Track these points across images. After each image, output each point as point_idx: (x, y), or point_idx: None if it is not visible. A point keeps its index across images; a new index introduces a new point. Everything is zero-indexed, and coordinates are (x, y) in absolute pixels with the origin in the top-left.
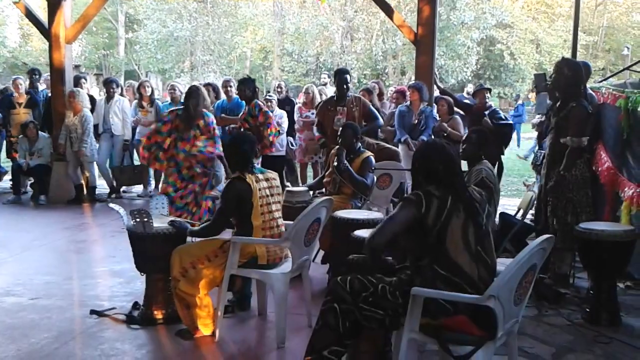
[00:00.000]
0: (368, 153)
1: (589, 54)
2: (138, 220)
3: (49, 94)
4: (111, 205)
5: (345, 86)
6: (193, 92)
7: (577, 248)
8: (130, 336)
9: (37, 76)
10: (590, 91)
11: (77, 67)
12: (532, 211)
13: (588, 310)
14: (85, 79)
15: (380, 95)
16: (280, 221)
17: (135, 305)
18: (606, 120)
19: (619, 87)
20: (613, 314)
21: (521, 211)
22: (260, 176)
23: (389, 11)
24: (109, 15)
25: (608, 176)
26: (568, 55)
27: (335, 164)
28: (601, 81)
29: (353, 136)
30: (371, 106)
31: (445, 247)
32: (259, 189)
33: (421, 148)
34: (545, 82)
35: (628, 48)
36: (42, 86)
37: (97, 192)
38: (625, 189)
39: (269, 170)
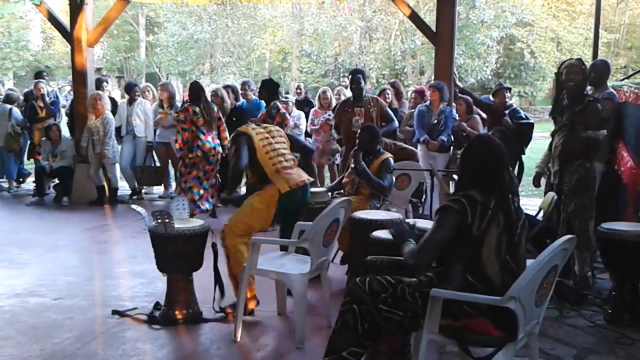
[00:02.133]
0: (387, 155)
1: (610, 51)
2: (160, 221)
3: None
4: (133, 206)
5: (356, 86)
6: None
7: (599, 248)
8: (152, 336)
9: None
10: (611, 89)
11: (98, 69)
12: None
13: (610, 311)
14: (107, 82)
15: (399, 95)
16: (290, 156)
17: (157, 305)
18: (628, 119)
19: None
20: (636, 314)
21: (542, 211)
22: (254, 125)
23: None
24: (129, 18)
25: (630, 175)
26: (589, 53)
27: (353, 165)
28: (623, 79)
29: (371, 138)
30: (387, 108)
31: (481, 255)
32: (257, 134)
33: (475, 143)
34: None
35: None
36: (50, 87)
37: (118, 194)
38: None
39: (266, 124)
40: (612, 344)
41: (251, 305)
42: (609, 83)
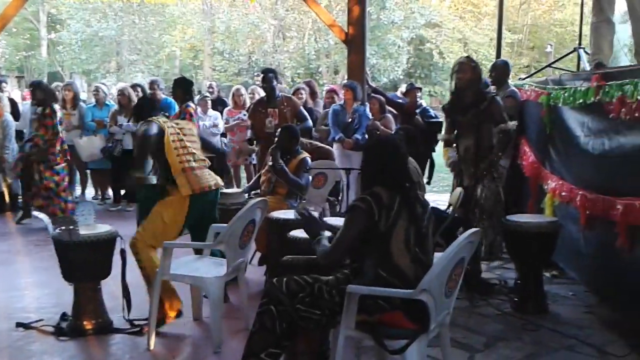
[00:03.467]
0: (305, 154)
1: (513, 51)
2: (64, 228)
3: None
4: (35, 213)
5: (267, 86)
6: None
7: (504, 240)
8: (59, 348)
9: None
10: (514, 88)
11: None
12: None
13: (516, 300)
14: (6, 82)
15: (314, 94)
16: (200, 155)
17: (64, 316)
18: (529, 116)
19: (541, 84)
20: (540, 302)
21: (451, 207)
22: (164, 119)
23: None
24: (29, 15)
25: (532, 170)
26: (493, 53)
27: (271, 163)
28: (525, 78)
29: (290, 138)
30: (301, 107)
31: (390, 250)
32: (167, 127)
33: (377, 143)
34: None
35: (551, 45)
36: None
37: (19, 200)
38: (549, 182)
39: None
40: (519, 330)
41: (171, 314)
42: (511, 82)
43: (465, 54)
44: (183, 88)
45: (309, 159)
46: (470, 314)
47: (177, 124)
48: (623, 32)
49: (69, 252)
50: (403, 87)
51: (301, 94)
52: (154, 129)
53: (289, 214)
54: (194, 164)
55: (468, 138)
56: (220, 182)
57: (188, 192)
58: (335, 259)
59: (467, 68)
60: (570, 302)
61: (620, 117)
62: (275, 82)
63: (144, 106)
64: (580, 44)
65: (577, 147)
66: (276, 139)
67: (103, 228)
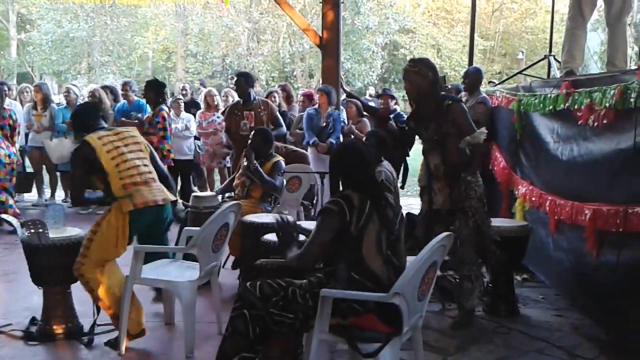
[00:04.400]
0: (278, 157)
1: (486, 58)
2: (33, 231)
3: None
4: (2, 216)
5: (240, 90)
6: None
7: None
8: (29, 353)
9: None
10: (484, 94)
11: None
12: None
13: (488, 302)
14: (10, 88)
15: (289, 98)
16: (146, 168)
17: (33, 320)
18: (500, 122)
19: (512, 91)
20: (511, 305)
21: None
22: (103, 132)
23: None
24: None
25: (503, 175)
26: (466, 59)
27: (245, 164)
28: (497, 84)
29: (263, 141)
30: (277, 112)
31: (362, 253)
32: (103, 144)
33: (341, 149)
34: (444, 84)
35: (523, 52)
36: None
37: None
38: (519, 187)
39: (124, 128)
40: (490, 333)
41: (133, 331)
42: (482, 88)
43: (411, 61)
44: (155, 90)
45: (282, 162)
46: (443, 316)
47: (117, 133)
48: (592, 40)
49: (38, 255)
50: (372, 90)
51: (274, 97)
52: (84, 151)
53: (263, 218)
54: (137, 179)
55: (435, 155)
56: (171, 196)
57: (129, 207)
58: (308, 260)
59: (411, 76)
60: (541, 305)
61: (588, 123)
62: (248, 86)
63: (82, 120)
64: (550, 51)
65: (547, 153)
66: (249, 140)
67: (73, 231)
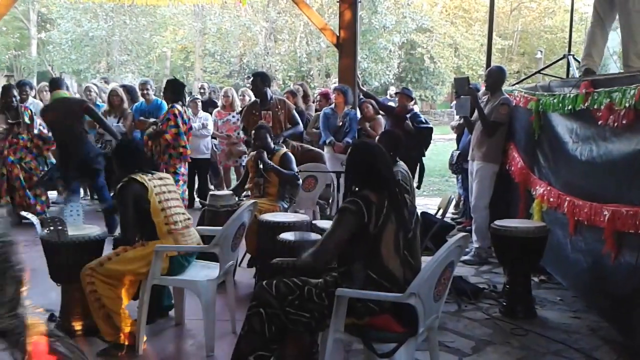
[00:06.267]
0: (284, 149)
1: (504, 57)
2: (52, 228)
3: None
4: (23, 213)
5: (256, 89)
6: None
7: (493, 244)
8: None
9: None
10: (506, 95)
11: None
12: (451, 210)
13: (505, 304)
14: (32, 87)
15: (306, 97)
16: (183, 216)
17: (51, 317)
18: (518, 121)
19: (531, 90)
20: (528, 307)
21: (441, 210)
22: (150, 176)
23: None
24: (19, 14)
25: (521, 175)
26: (484, 58)
27: (261, 166)
28: (515, 84)
29: (265, 135)
30: (294, 111)
31: (380, 252)
32: (154, 186)
33: (362, 147)
34: (468, 85)
35: (541, 52)
36: None
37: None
38: (537, 187)
39: (159, 172)
40: (507, 335)
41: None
42: (503, 88)
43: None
44: (172, 89)
45: (290, 153)
46: (459, 317)
47: (160, 179)
48: (612, 39)
49: (57, 253)
50: (392, 90)
51: (295, 96)
52: (134, 189)
53: (280, 217)
54: (179, 225)
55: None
56: (200, 241)
57: (173, 254)
58: (324, 257)
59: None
60: (558, 307)
61: (608, 124)
62: (264, 86)
63: (126, 156)
64: (570, 50)
65: (566, 153)
66: (253, 141)
67: (92, 229)
